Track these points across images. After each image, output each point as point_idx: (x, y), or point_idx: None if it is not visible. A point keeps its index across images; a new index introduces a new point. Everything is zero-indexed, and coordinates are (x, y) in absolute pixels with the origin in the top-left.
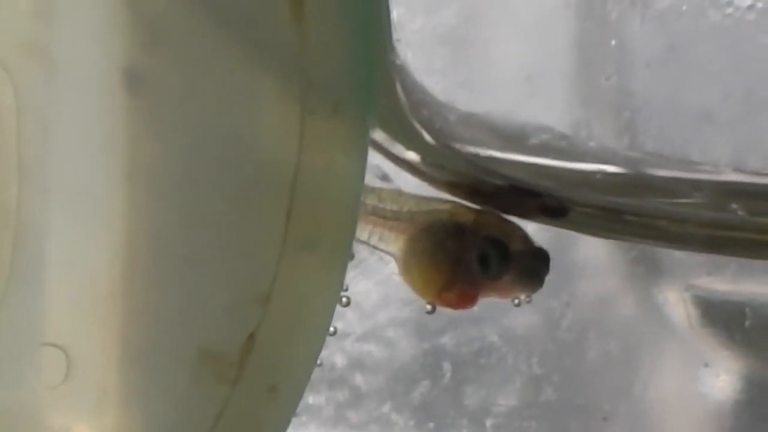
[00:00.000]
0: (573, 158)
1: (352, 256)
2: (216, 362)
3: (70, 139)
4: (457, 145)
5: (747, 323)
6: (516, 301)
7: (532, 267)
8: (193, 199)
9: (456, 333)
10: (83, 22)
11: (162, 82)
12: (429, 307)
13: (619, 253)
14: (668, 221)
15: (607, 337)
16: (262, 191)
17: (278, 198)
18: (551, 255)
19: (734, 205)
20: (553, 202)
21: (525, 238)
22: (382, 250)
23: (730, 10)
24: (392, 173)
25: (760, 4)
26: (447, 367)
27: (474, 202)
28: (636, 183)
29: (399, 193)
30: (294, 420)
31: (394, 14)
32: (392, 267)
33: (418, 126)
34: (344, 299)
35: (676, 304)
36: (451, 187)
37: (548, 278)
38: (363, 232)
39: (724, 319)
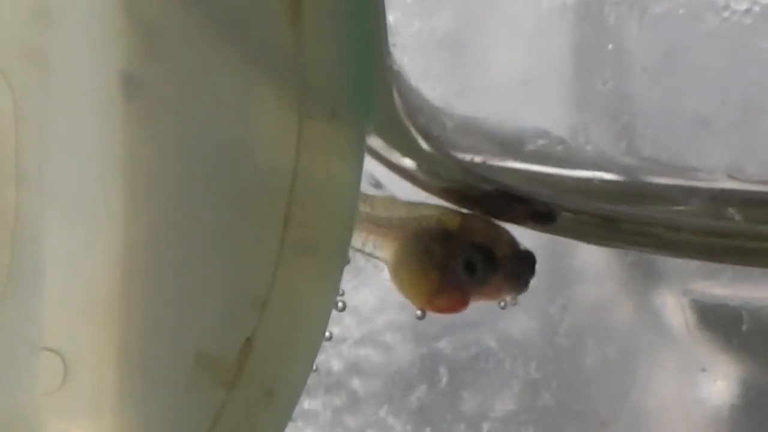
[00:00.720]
0: (569, 165)
1: (348, 261)
2: (213, 366)
3: (67, 143)
4: (454, 153)
5: (744, 328)
6: (502, 303)
7: (518, 270)
8: (191, 203)
9: (453, 338)
10: (80, 26)
11: (159, 87)
12: (419, 312)
13: (617, 258)
14: (664, 228)
15: (604, 342)
16: (259, 196)
17: (276, 202)
18: (549, 260)
19: (731, 212)
20: (542, 208)
21: (511, 242)
22: (376, 258)
23: (726, 15)
24: (385, 180)
25: (756, 8)
26: (444, 371)
27: (463, 207)
28: (632, 190)
29: (391, 200)
30: (290, 425)
31: (390, 19)
32: (385, 273)
33: (414, 132)
34: (340, 304)
35: (673, 308)
36: (444, 192)
37: (546, 283)
38: (357, 239)
39: (722, 323)
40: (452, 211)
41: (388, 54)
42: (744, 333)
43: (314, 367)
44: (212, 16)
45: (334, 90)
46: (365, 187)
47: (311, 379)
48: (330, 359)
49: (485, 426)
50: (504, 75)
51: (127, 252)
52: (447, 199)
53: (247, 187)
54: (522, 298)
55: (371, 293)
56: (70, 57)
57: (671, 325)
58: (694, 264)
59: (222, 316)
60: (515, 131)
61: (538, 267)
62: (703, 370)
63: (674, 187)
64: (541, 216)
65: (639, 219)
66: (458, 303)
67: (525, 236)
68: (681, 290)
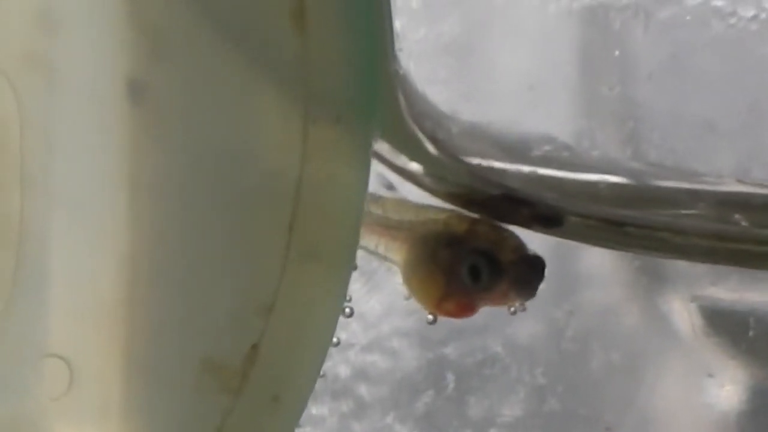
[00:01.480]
0: (576, 169)
1: (355, 267)
2: (219, 372)
3: (72, 149)
4: (460, 157)
5: (751, 333)
6: (512, 309)
7: (524, 276)
8: (196, 208)
9: (459, 343)
10: (86, 32)
11: (164, 92)
12: (430, 317)
13: (624, 263)
14: (671, 232)
15: (611, 347)
16: (264, 201)
17: (281, 208)
18: (555, 264)
19: (737, 216)
20: (548, 211)
21: (518, 246)
22: (389, 260)
23: (733, 21)
24: (397, 182)
25: (763, 15)
26: (450, 377)
27: (469, 211)
28: (639, 194)
29: (402, 203)
30: (297, 431)
31: (397, 24)
32: (397, 277)
33: (420, 137)
34: (347, 310)
35: (680, 313)
36: (451, 196)
37: (552, 288)
38: (370, 241)
39: (729, 329)
40: (459, 215)
41: (395, 59)
42: (751, 338)
43: (321, 373)
44: (217, 22)
45: (339, 95)
46: (378, 189)
47: (318, 385)
48: (337, 365)
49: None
50: (510, 80)
51: (133, 257)
52: (453, 203)
53: (252, 193)
54: (528, 303)
55: (378, 299)
56: (75, 62)
57: (678, 329)
58: (701, 269)
59: (228, 322)
60: (521, 136)
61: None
62: (710, 375)
63: (681, 191)
64: (547, 219)
65: (645, 223)
66: (465, 308)
67: (531, 240)
68: (688, 295)
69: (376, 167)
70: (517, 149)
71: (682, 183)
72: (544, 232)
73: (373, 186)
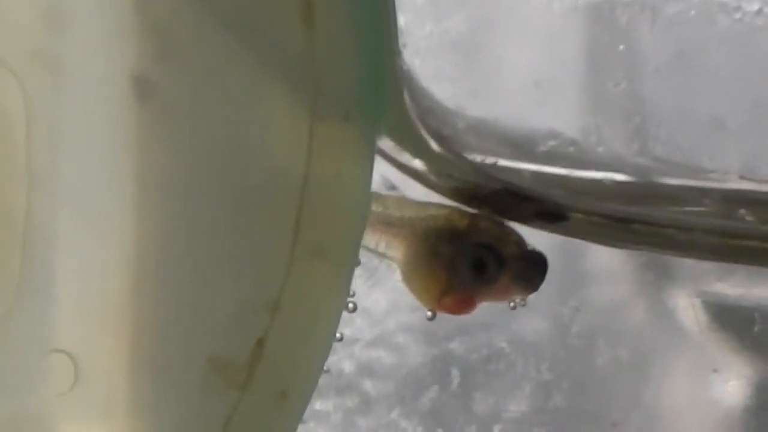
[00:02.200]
0: (582, 166)
1: (358, 262)
2: (225, 368)
3: (79, 146)
4: (465, 154)
5: (756, 329)
6: (512, 304)
7: (525, 271)
8: (203, 206)
9: (465, 339)
10: (93, 30)
11: (171, 90)
12: (429, 313)
13: (629, 259)
14: (676, 229)
15: (616, 343)
16: (271, 198)
17: (287, 205)
18: (561, 261)
19: (743, 213)
20: (551, 208)
21: (519, 242)
22: (388, 258)
23: (738, 16)
24: (397, 181)
25: None
26: (456, 373)
27: (471, 206)
28: (644, 190)
29: (402, 199)
30: (302, 426)
31: (402, 20)
32: (398, 273)
33: (425, 134)
34: (351, 305)
35: (685, 309)
36: (453, 192)
37: (558, 284)
38: (370, 239)
39: (734, 324)
40: (461, 210)
41: (400, 56)
42: (756, 333)
43: (326, 369)
44: (224, 19)
45: (346, 92)
46: (378, 188)
47: (323, 381)
48: (341, 360)
49: (497, 427)
50: (516, 76)
51: (139, 254)
52: (456, 199)
53: (258, 190)
54: (534, 299)
55: (383, 294)
56: (82, 60)
57: (683, 326)
58: (706, 265)
59: (233, 319)
60: (527, 132)
61: (550, 268)
62: (716, 370)
63: (686, 188)
64: (551, 215)
65: (651, 219)
66: (466, 303)
67: (538, 238)
68: (693, 291)
69: (376, 165)
70: (522, 146)
71: (687, 179)
72: (549, 229)
73: (373, 184)
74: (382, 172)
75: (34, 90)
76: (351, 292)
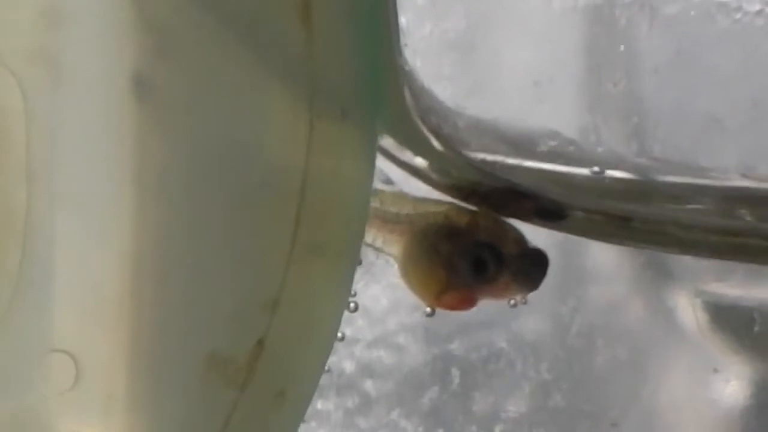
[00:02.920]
0: (581, 164)
1: (359, 262)
2: (224, 367)
3: (78, 144)
4: (465, 152)
5: (756, 328)
6: (512, 301)
7: (525, 269)
8: (201, 204)
9: (465, 339)
10: (91, 27)
11: (170, 88)
12: (428, 309)
13: (629, 258)
14: (675, 227)
15: (616, 343)
16: (270, 196)
17: (286, 203)
18: (560, 259)
19: (742, 211)
20: (551, 205)
21: (519, 240)
22: (386, 253)
23: (738, 16)
24: (395, 176)
25: None
26: (456, 372)
27: (470, 203)
28: (644, 189)
29: (400, 196)
30: (302, 426)
31: (402, 20)
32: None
33: (425, 132)
34: (352, 305)
35: (685, 309)
36: (454, 190)
37: (557, 283)
38: (368, 235)
39: (734, 324)
40: (459, 207)
41: (400, 54)
42: (756, 333)
43: (326, 368)
44: (223, 16)
45: (344, 90)
46: (376, 183)
47: (323, 380)
48: (342, 360)
49: (497, 427)
50: (515, 75)
51: (138, 252)
52: (456, 197)
53: (257, 188)
54: (533, 298)
55: (383, 294)
56: (81, 58)
57: (683, 325)
58: (706, 264)
59: (233, 317)
60: (526, 131)
61: (549, 267)
62: (715, 370)
63: (686, 186)
64: (549, 212)
65: (650, 218)
66: (465, 301)
67: (536, 235)
68: (693, 290)
69: (376, 162)
70: (522, 144)
71: (687, 178)
72: (548, 226)
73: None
74: (378, 166)
75: (32, 88)
76: (352, 292)
